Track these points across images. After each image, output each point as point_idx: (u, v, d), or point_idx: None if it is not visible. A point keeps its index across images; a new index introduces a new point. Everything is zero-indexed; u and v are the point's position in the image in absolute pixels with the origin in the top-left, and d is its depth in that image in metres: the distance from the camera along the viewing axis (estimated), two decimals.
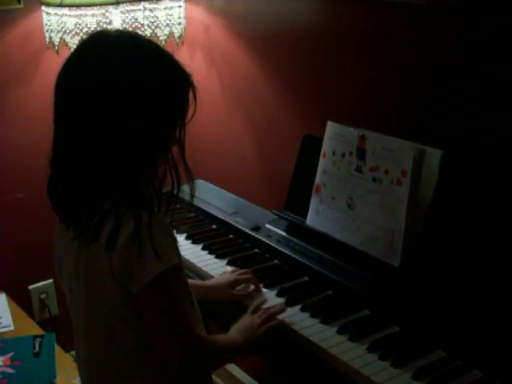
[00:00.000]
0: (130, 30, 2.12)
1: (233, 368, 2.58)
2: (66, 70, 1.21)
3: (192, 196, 1.30)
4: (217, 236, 1.95)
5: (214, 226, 2.01)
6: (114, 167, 1.18)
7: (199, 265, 1.76)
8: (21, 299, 2.35)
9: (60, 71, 1.21)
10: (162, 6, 2.20)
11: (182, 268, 1.26)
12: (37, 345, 2.00)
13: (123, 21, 2.16)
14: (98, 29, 2.12)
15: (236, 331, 1.41)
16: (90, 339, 1.30)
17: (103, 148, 1.17)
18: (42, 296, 2.60)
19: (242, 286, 1.63)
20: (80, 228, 1.21)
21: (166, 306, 1.21)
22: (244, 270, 1.66)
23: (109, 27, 2.14)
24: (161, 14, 2.20)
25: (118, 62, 1.18)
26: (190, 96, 1.25)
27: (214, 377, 1.86)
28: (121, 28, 2.13)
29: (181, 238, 1.91)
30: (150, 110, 1.18)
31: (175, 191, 1.26)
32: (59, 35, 2.14)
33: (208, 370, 1.44)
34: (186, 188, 1.30)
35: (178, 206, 1.30)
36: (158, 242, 1.16)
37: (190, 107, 1.25)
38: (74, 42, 2.13)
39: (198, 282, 1.66)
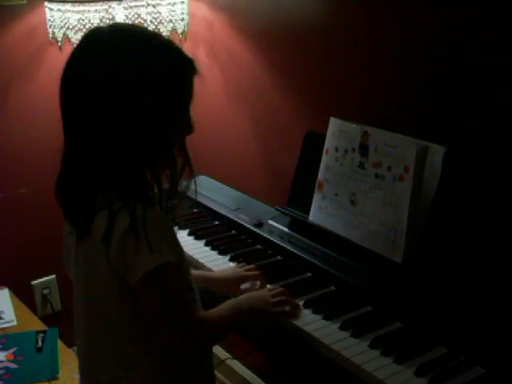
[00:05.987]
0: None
1: (235, 364, 2.58)
2: (68, 68, 1.23)
3: (195, 193, 1.31)
4: (219, 232, 1.96)
5: (217, 222, 2.02)
6: (116, 156, 1.19)
7: (202, 261, 1.76)
8: (24, 295, 2.35)
9: (64, 68, 1.23)
10: (164, 1, 2.20)
11: (180, 263, 1.26)
12: (39, 340, 2.01)
13: (126, 16, 2.16)
14: (101, 25, 2.13)
15: (245, 297, 1.44)
16: (89, 330, 1.31)
17: (102, 139, 1.18)
18: (45, 291, 2.61)
19: (249, 283, 1.62)
20: (75, 222, 1.24)
21: (163, 297, 1.22)
22: (251, 266, 1.66)
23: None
24: (164, 9, 2.21)
25: (116, 51, 1.19)
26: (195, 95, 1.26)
27: (216, 373, 1.86)
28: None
29: (183, 234, 1.91)
30: (150, 96, 1.18)
31: (174, 187, 1.27)
32: (62, 31, 2.15)
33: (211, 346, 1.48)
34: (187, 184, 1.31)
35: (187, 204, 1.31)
36: (152, 236, 1.17)
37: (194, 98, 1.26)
38: (77, 38, 2.14)
39: (205, 272, 1.67)
